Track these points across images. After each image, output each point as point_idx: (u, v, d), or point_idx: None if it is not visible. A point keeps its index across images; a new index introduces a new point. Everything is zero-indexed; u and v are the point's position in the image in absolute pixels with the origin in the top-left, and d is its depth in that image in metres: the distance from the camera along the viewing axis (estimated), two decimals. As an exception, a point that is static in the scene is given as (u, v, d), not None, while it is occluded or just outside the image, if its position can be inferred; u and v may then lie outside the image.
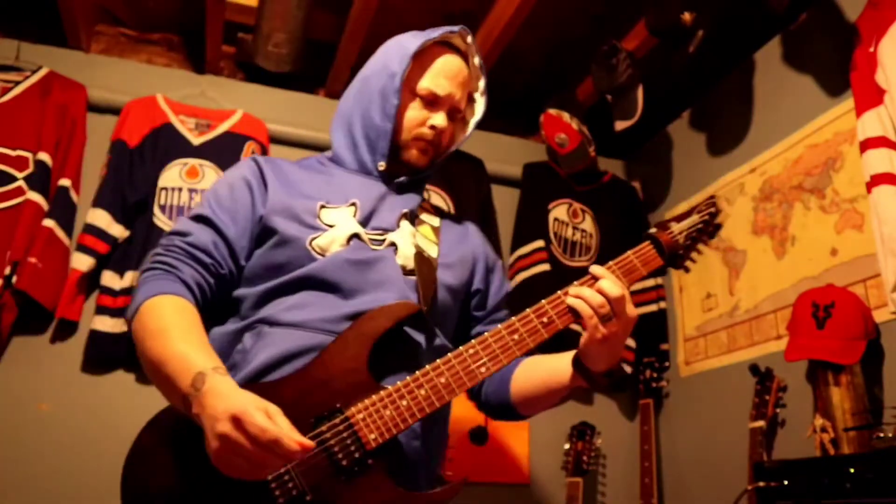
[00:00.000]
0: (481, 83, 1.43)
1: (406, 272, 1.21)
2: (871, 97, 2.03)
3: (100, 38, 2.79)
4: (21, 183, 2.33)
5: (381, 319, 1.10)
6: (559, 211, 3.00)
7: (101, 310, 2.32)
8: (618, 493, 2.78)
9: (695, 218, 1.23)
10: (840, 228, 2.21)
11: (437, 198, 2.84)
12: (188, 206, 2.47)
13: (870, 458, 1.61)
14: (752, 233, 2.57)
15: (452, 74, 1.34)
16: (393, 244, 1.23)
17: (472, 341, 1.10)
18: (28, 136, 2.38)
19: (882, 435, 1.67)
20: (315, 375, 1.05)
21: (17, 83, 2.44)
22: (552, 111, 2.93)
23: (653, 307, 2.93)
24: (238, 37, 2.83)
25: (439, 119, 1.32)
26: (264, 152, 2.69)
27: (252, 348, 1.11)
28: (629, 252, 1.18)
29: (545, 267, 2.79)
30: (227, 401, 0.91)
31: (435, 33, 1.35)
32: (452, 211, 2.84)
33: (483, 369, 1.08)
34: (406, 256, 1.23)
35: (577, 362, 1.17)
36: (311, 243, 1.18)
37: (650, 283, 2.97)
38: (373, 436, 1.02)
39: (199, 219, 1.20)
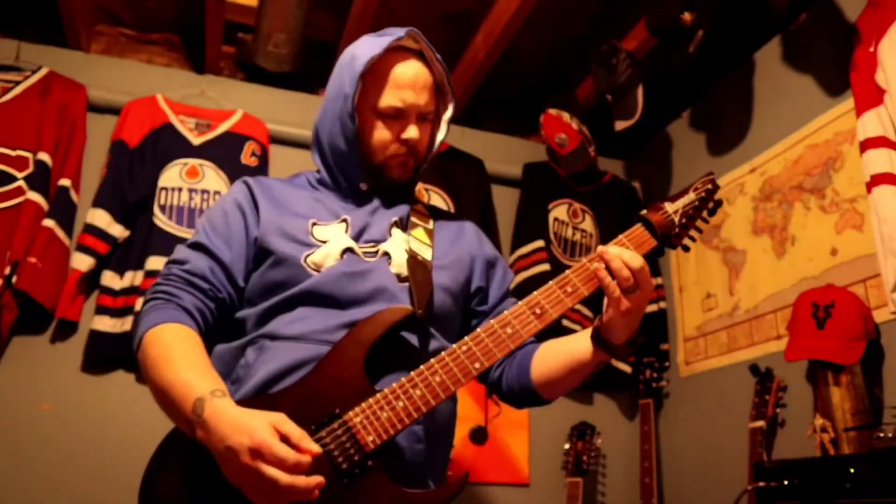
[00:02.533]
0: (445, 78, 1.37)
1: (401, 280, 1.23)
2: (871, 97, 2.03)
3: (100, 38, 2.79)
4: (21, 183, 2.33)
5: (374, 326, 1.12)
6: (559, 211, 3.00)
7: (101, 310, 2.32)
8: (618, 493, 2.78)
9: (691, 196, 1.22)
10: (840, 228, 2.20)
11: (437, 198, 2.84)
12: (188, 206, 2.47)
13: (870, 458, 1.61)
14: (752, 233, 2.57)
15: (411, 81, 1.29)
16: (386, 254, 1.25)
17: (466, 338, 1.11)
18: (28, 136, 2.38)
19: (882, 435, 1.67)
20: (314, 384, 1.09)
21: (17, 83, 2.44)
22: (552, 111, 2.93)
23: (653, 307, 2.93)
24: (238, 37, 2.83)
25: (412, 132, 1.29)
26: (264, 152, 2.69)
27: (255, 362, 1.14)
28: (620, 236, 1.18)
29: (545, 267, 2.80)
30: (238, 430, 0.95)
31: (381, 45, 1.28)
32: (453, 211, 2.84)
33: (477, 365, 1.09)
34: (399, 264, 1.24)
35: (597, 337, 1.18)
36: (305, 260, 1.21)
37: (650, 283, 2.97)
38: (371, 437, 1.04)
39: (196, 246, 1.24)
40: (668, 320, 2.94)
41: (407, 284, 1.22)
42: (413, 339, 1.18)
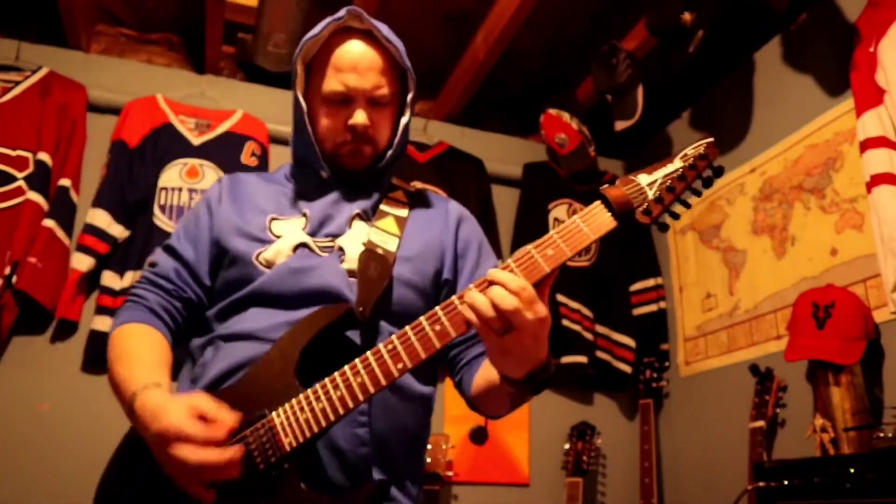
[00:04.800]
0: (401, 57, 1.26)
1: (352, 275, 1.17)
2: (871, 97, 2.03)
3: (100, 38, 2.79)
4: (21, 183, 2.33)
5: (309, 326, 1.10)
6: (559, 211, 3.00)
7: (101, 310, 2.32)
8: (618, 493, 2.78)
9: (676, 164, 1.03)
10: (840, 228, 2.20)
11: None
12: (188, 205, 2.48)
13: (870, 458, 1.61)
14: (752, 233, 2.57)
15: (353, 63, 1.22)
16: (340, 248, 1.20)
17: (392, 336, 1.02)
18: (28, 136, 2.38)
19: (882, 435, 1.67)
20: (250, 384, 1.08)
21: (17, 83, 2.44)
22: (552, 111, 2.93)
23: (653, 307, 2.93)
24: (238, 37, 2.83)
25: (359, 118, 1.21)
26: (264, 152, 2.69)
27: (210, 362, 1.15)
28: (576, 216, 0.99)
29: (545, 267, 2.80)
30: (153, 417, 0.98)
31: (318, 28, 1.25)
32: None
33: (400, 365, 1.00)
34: (353, 259, 1.18)
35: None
36: (257, 258, 1.19)
37: (650, 282, 2.97)
38: (288, 439, 1.01)
39: (166, 248, 1.27)
40: (668, 320, 2.94)
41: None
42: (358, 338, 1.12)
